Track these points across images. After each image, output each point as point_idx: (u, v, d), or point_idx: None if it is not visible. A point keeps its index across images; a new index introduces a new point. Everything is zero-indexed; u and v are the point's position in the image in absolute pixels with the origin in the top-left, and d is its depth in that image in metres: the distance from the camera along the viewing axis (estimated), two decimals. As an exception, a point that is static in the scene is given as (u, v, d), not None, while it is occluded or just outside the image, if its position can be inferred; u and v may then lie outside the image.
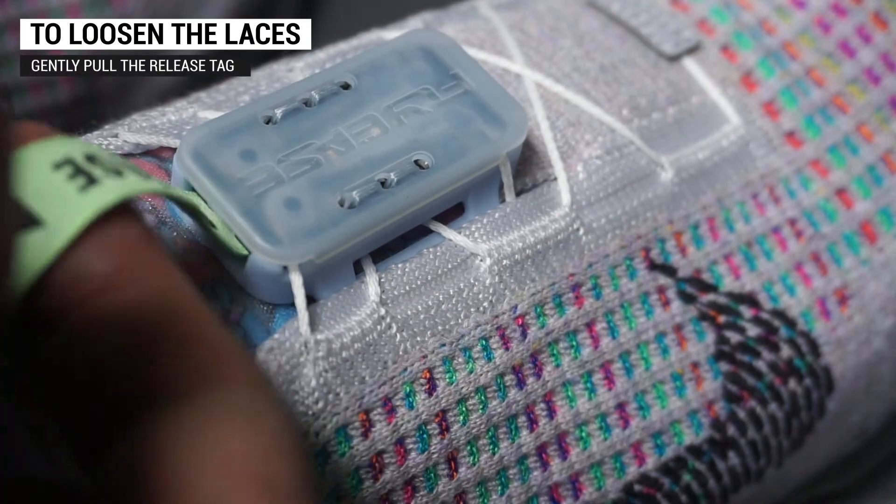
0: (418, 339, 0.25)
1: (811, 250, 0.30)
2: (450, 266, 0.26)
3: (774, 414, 0.29)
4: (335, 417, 0.24)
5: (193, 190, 0.24)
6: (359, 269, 0.25)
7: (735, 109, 0.30)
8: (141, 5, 0.40)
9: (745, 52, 0.31)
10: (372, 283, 0.25)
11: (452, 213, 0.26)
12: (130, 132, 0.26)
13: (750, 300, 0.29)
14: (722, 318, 0.29)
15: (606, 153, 0.28)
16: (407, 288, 0.25)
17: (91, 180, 0.20)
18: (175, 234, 0.25)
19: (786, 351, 0.29)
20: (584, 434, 0.27)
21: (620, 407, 0.28)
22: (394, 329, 0.25)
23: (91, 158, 0.20)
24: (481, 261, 0.26)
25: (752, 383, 0.29)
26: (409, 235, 0.26)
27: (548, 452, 0.27)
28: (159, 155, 0.26)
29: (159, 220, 0.25)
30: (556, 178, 0.27)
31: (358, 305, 0.25)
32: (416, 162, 0.25)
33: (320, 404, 0.24)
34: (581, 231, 0.27)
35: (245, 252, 0.24)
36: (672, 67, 0.31)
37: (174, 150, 0.26)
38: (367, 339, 0.25)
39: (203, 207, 0.24)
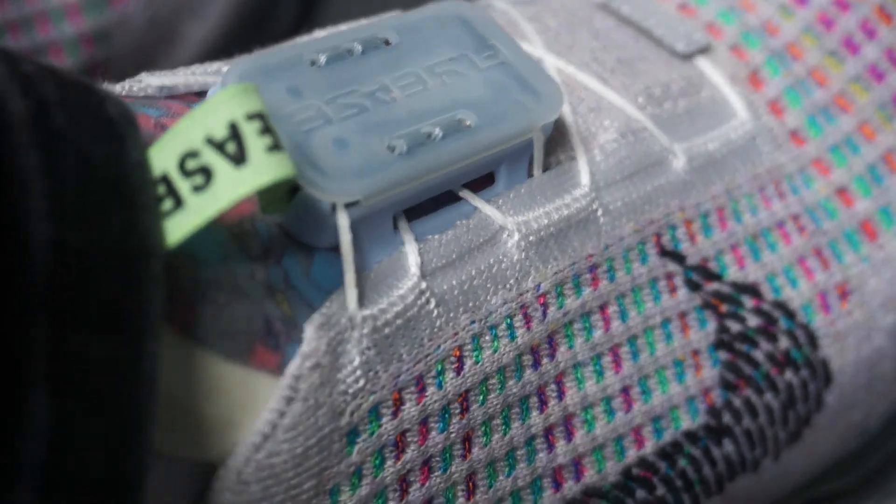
0: (452, 314, 0.25)
1: (813, 245, 0.31)
2: (482, 240, 0.26)
3: (770, 404, 0.30)
4: (371, 396, 0.24)
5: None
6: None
7: (743, 105, 0.31)
8: (141, 6, 0.40)
9: (753, 50, 0.32)
10: (412, 253, 0.25)
11: (482, 183, 0.26)
12: (154, 77, 0.26)
13: (752, 290, 0.30)
14: (724, 308, 0.29)
15: (622, 136, 0.28)
16: (444, 261, 0.25)
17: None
18: None
19: (784, 342, 0.30)
20: (589, 417, 0.27)
21: (625, 391, 0.28)
22: (432, 304, 0.25)
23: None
24: (509, 235, 0.26)
25: (749, 372, 0.29)
26: (440, 200, 0.26)
27: (554, 434, 0.27)
28: (186, 99, 0.26)
29: None
30: (575, 159, 0.28)
31: (399, 277, 0.25)
32: (458, 121, 0.25)
33: (360, 383, 0.24)
34: (600, 212, 0.27)
35: (285, 205, 0.24)
36: (684, 64, 0.31)
37: (200, 94, 0.26)
38: (409, 314, 0.24)
39: None
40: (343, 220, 0.23)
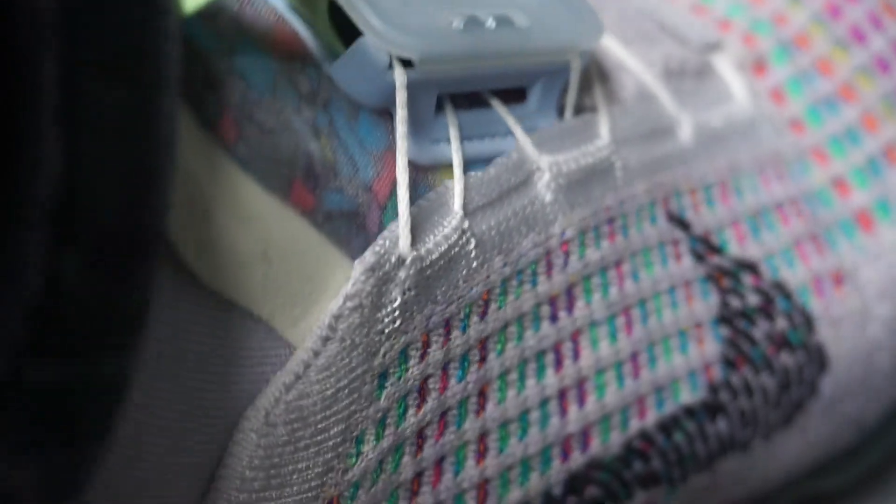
0: (488, 255, 0.25)
1: (810, 230, 0.31)
2: (520, 179, 0.25)
3: (765, 384, 0.30)
4: (404, 337, 0.23)
5: None
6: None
7: (745, 92, 0.31)
8: None
9: (763, 38, 0.32)
10: (458, 188, 0.24)
11: (514, 97, 0.26)
12: None
13: (751, 268, 0.30)
14: (726, 283, 0.29)
15: (639, 99, 0.29)
16: (485, 200, 0.25)
17: None
18: (263, 11, 0.24)
19: (781, 322, 0.30)
20: (601, 382, 0.27)
21: (634, 357, 0.28)
22: (472, 245, 0.24)
23: None
24: (541, 175, 0.26)
25: (748, 351, 0.29)
26: (474, 102, 0.26)
27: (567, 398, 0.27)
28: None
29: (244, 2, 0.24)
30: (596, 110, 0.28)
31: (443, 214, 0.24)
32: (511, 18, 0.25)
33: (397, 323, 0.23)
34: (618, 164, 0.27)
35: (341, 48, 0.23)
36: (696, 52, 0.31)
37: None
38: (451, 254, 0.24)
39: None
40: (400, 76, 0.23)
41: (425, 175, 0.24)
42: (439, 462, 0.25)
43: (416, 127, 0.24)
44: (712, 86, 0.31)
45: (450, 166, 0.25)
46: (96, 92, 0.18)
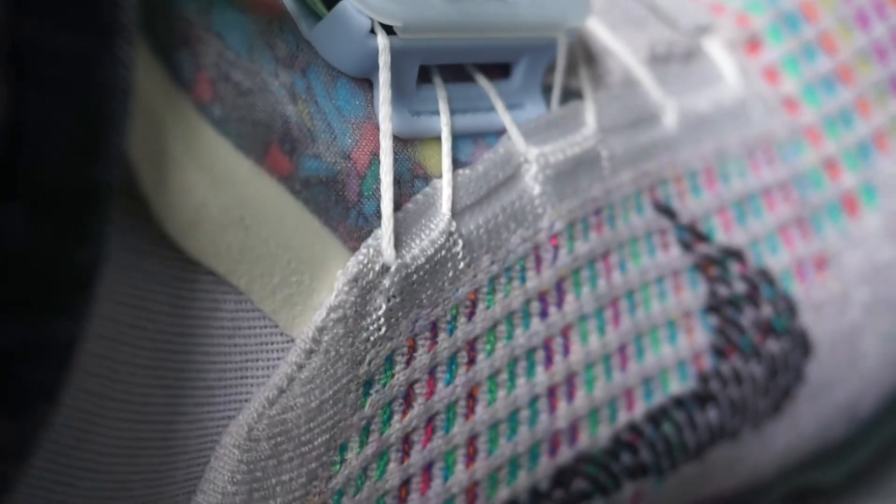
0: (475, 255, 0.24)
1: (797, 214, 0.31)
2: (507, 174, 0.25)
3: (754, 372, 0.29)
4: (389, 343, 0.23)
5: None
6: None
7: (735, 71, 0.31)
8: None
9: (757, 17, 0.31)
10: (446, 189, 0.24)
11: (498, 74, 0.26)
12: None
13: (738, 256, 0.29)
14: (713, 271, 0.29)
15: (625, 85, 0.28)
16: (473, 199, 0.24)
17: None
18: None
19: (766, 309, 0.29)
20: (590, 376, 0.27)
21: (622, 349, 0.27)
22: (459, 246, 0.24)
23: None
24: (528, 167, 0.25)
25: (736, 339, 0.29)
26: (459, 76, 0.25)
27: (557, 394, 0.26)
28: None
29: None
30: (582, 95, 0.27)
31: (431, 217, 0.24)
32: None
33: (382, 330, 0.23)
34: (604, 153, 0.27)
35: (323, 11, 0.23)
36: (686, 36, 0.31)
37: None
38: (437, 258, 0.23)
39: None
40: (383, 41, 0.22)
41: (404, 147, 0.24)
42: (427, 468, 0.24)
43: (397, 97, 0.23)
44: (701, 68, 0.30)
45: (430, 139, 0.24)
46: (43, 36, 0.17)
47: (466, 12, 0.24)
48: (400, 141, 0.24)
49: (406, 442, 0.24)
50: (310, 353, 0.22)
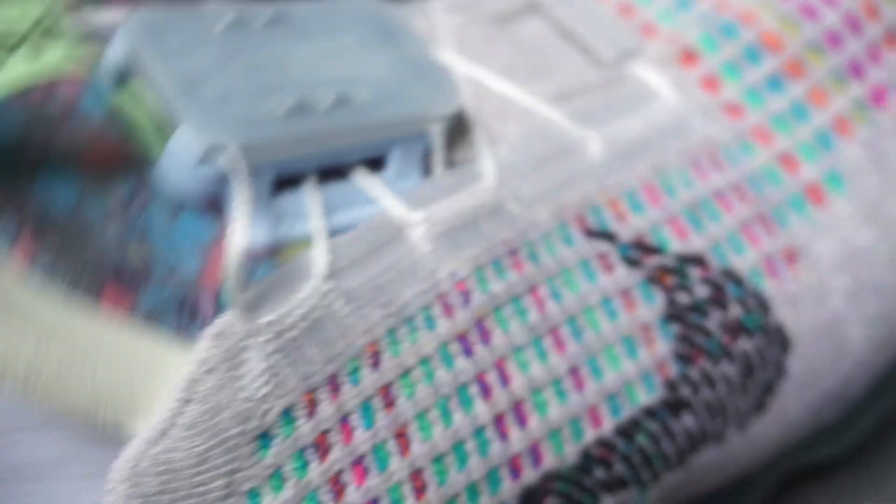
0: (364, 311, 0.25)
1: (757, 212, 0.31)
2: (388, 237, 0.26)
3: (727, 373, 0.30)
4: (281, 400, 0.24)
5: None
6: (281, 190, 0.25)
7: (671, 86, 0.31)
8: None
9: (689, 31, 0.32)
10: (320, 253, 0.25)
11: (373, 167, 0.27)
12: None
13: (698, 261, 0.30)
14: (670, 280, 0.29)
15: (529, 135, 0.29)
16: (349, 261, 0.26)
17: None
18: (85, 119, 0.25)
19: (734, 309, 0.30)
20: (540, 400, 0.27)
21: (573, 371, 0.28)
22: (340, 303, 0.25)
23: None
24: (414, 229, 0.26)
25: (703, 343, 0.29)
26: (330, 175, 0.26)
27: (505, 423, 0.27)
28: None
29: (66, 109, 0.25)
30: (478, 159, 0.28)
31: (300, 279, 0.25)
32: (349, 96, 0.26)
33: (267, 387, 0.24)
34: (510, 200, 0.28)
35: (161, 147, 0.24)
36: (609, 67, 0.32)
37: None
38: (315, 314, 0.25)
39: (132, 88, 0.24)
40: (212, 165, 0.23)
41: (270, 256, 0.25)
42: (373, 503, 0.26)
43: (255, 211, 0.24)
44: (628, 92, 0.31)
45: (301, 243, 0.25)
46: None
47: (307, 125, 0.25)
48: (263, 251, 0.25)
49: (337, 483, 0.25)
50: (186, 401, 0.23)
